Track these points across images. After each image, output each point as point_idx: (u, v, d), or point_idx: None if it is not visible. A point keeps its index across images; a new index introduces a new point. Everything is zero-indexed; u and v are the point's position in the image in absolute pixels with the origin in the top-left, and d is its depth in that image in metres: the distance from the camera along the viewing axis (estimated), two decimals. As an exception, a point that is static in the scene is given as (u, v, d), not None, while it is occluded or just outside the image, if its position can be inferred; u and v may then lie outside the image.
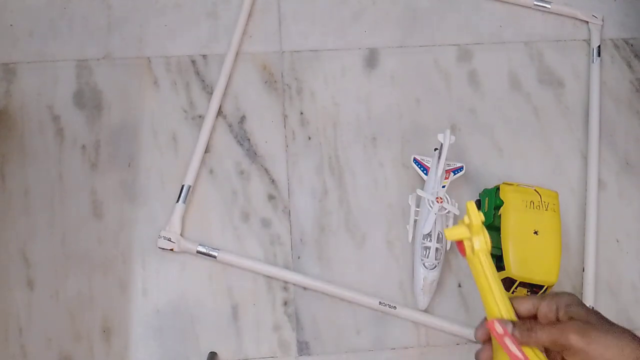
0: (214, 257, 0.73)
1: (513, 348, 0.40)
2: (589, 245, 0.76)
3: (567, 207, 0.79)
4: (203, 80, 0.84)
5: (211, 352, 0.69)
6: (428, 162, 0.77)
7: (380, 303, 0.72)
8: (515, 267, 0.66)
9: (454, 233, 0.46)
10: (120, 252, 0.74)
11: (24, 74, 0.83)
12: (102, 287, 0.72)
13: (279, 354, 0.71)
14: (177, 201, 0.75)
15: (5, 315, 0.70)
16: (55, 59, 0.84)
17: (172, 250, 0.73)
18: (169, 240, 0.73)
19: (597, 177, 0.81)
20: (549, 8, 0.92)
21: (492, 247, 0.47)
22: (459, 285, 0.75)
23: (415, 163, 0.78)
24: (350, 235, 0.77)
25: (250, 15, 0.88)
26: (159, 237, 0.73)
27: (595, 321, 0.40)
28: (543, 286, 0.67)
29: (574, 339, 0.38)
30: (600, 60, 0.89)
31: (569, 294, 0.42)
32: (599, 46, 0.90)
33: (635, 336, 0.39)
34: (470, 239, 0.46)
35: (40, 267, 0.73)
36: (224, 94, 0.83)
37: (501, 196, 0.71)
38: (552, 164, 0.83)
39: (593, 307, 0.40)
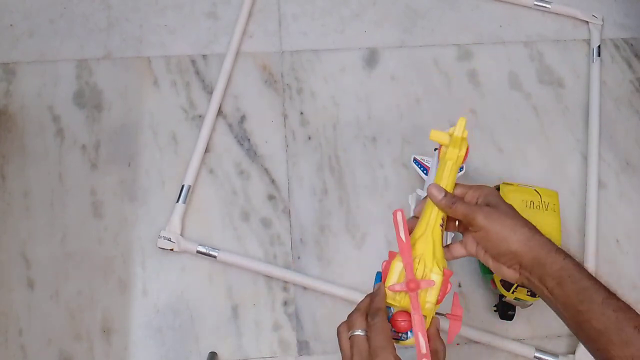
0: (214, 257, 0.73)
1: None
2: (589, 246, 0.76)
3: (567, 207, 0.79)
4: (203, 80, 0.84)
5: (211, 352, 0.69)
6: (428, 162, 0.77)
7: (380, 303, 0.72)
8: (515, 267, 0.66)
9: (437, 135, 0.53)
10: (120, 252, 0.74)
11: (24, 74, 0.83)
12: (102, 287, 0.72)
13: (279, 354, 0.71)
14: (177, 201, 0.75)
15: (6, 316, 0.70)
16: (55, 59, 0.84)
17: (172, 250, 0.73)
18: (169, 240, 0.73)
19: (597, 177, 0.81)
20: (549, 8, 0.92)
21: None
22: (459, 285, 0.75)
23: (415, 163, 0.78)
24: (350, 235, 0.77)
25: (250, 15, 0.88)
26: (159, 237, 0.73)
27: (504, 209, 0.50)
28: (543, 286, 0.67)
29: (480, 218, 0.49)
30: (600, 60, 0.89)
31: (490, 188, 0.53)
32: (599, 46, 0.90)
33: (529, 222, 0.50)
34: (447, 147, 0.53)
35: (40, 267, 0.73)
36: (224, 94, 0.83)
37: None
38: (552, 164, 0.83)
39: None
